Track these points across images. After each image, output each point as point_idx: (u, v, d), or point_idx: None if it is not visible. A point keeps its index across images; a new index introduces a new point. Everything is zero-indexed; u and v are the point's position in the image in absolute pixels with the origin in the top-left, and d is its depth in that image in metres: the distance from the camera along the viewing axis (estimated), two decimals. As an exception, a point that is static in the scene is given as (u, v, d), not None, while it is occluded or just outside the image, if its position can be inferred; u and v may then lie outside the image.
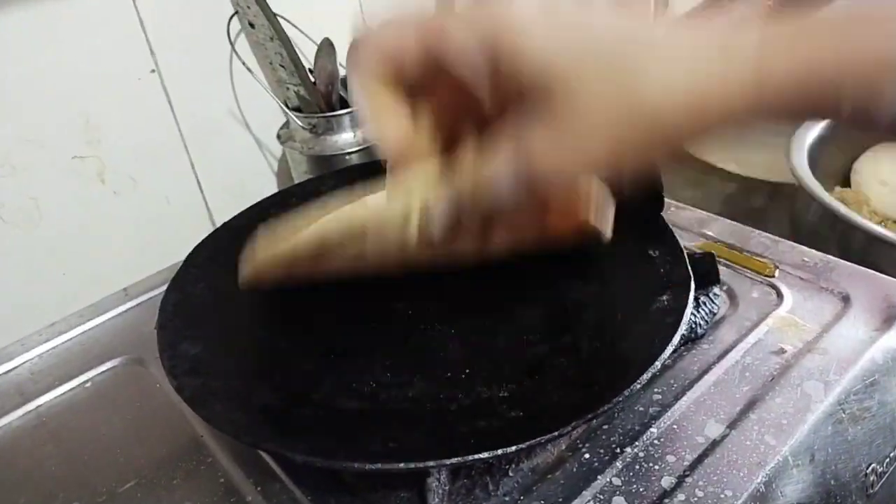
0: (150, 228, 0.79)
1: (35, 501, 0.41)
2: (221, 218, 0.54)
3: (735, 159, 0.96)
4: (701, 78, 0.27)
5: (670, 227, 0.46)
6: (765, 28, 0.27)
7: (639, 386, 0.35)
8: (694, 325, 0.45)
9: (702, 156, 1.00)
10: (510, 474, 0.37)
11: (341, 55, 0.78)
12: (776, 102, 0.26)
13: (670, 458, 0.38)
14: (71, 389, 0.49)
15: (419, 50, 0.32)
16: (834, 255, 0.52)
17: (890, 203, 0.79)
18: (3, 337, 0.54)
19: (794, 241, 0.55)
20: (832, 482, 0.40)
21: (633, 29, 0.29)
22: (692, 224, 0.57)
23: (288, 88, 0.77)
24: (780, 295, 0.48)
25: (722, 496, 0.35)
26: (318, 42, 0.75)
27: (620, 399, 0.34)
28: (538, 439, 0.33)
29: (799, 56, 0.26)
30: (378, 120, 0.34)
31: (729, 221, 0.57)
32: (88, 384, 0.49)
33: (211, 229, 0.55)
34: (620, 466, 0.38)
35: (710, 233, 0.56)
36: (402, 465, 0.33)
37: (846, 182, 0.83)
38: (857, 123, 0.27)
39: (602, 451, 0.39)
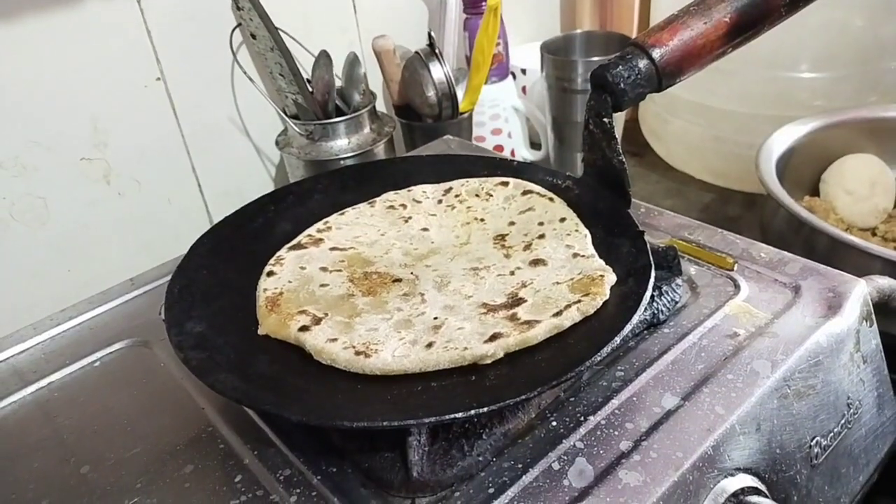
0: (152, 228, 0.83)
1: (49, 465, 0.45)
2: (220, 219, 0.58)
3: (712, 171, 1.01)
4: None
5: (636, 221, 0.51)
6: None
7: (597, 359, 0.39)
8: (657, 312, 0.49)
9: (681, 167, 1.05)
10: (484, 437, 0.41)
11: (338, 67, 0.83)
12: None
13: (629, 426, 0.42)
14: (81, 368, 0.52)
15: None
16: (799, 258, 0.56)
17: (855, 211, 0.83)
18: (15, 322, 0.58)
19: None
20: (777, 451, 0.44)
21: None
22: (664, 225, 0.61)
23: (286, 97, 0.81)
24: (737, 286, 0.52)
25: (673, 457, 0.39)
26: (316, 54, 0.79)
27: (578, 370, 0.38)
28: (506, 402, 0.37)
29: None
30: None
31: (697, 222, 0.61)
32: (97, 363, 0.53)
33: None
34: (584, 432, 0.41)
35: (679, 232, 0.60)
36: (384, 423, 0.37)
37: (815, 191, 0.87)
38: None
39: (568, 419, 0.43)
